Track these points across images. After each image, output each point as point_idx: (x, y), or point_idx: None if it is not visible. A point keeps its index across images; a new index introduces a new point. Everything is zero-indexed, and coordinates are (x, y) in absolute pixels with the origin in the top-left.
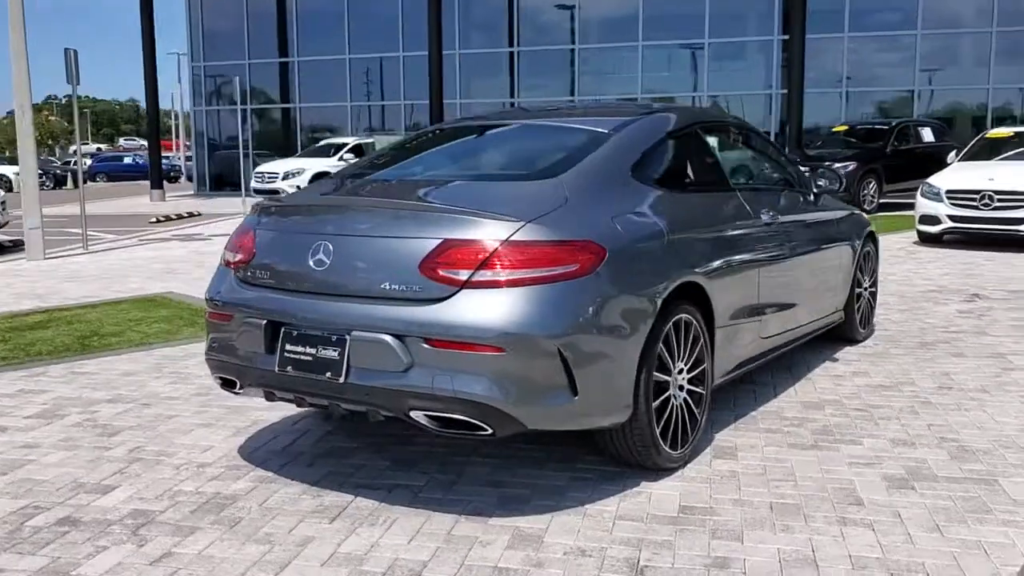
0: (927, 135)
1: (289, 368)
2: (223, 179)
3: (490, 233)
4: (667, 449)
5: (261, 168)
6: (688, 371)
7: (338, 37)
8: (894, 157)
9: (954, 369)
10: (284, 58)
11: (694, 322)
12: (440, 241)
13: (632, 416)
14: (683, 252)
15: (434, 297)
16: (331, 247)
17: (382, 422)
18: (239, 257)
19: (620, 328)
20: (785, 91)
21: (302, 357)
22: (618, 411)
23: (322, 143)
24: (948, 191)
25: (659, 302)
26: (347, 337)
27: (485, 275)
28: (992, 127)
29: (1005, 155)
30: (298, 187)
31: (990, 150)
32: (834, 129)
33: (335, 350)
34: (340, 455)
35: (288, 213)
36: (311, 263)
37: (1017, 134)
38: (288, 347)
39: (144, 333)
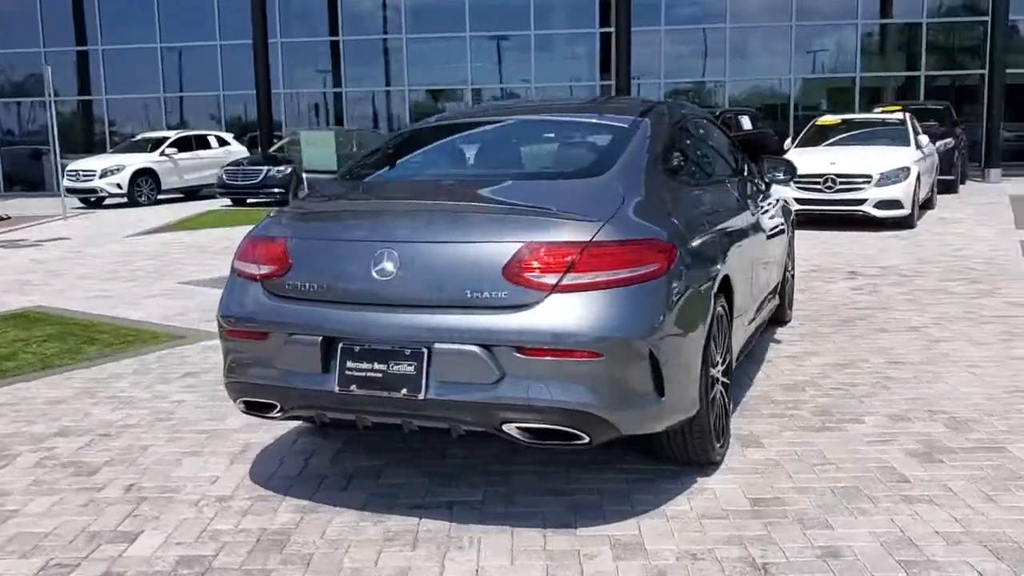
0: (746, 123)
1: (353, 387)
2: (16, 178)
3: (574, 234)
4: (715, 443)
5: (74, 166)
6: (721, 363)
7: (147, 24)
8: None
9: (889, 344)
10: (85, 47)
11: (724, 314)
12: (522, 244)
13: (695, 412)
14: (718, 246)
15: (522, 303)
16: (398, 255)
17: (377, 434)
18: (269, 269)
19: (692, 324)
20: (607, 82)
21: (369, 374)
22: (691, 408)
23: (139, 138)
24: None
25: (712, 296)
26: (425, 350)
27: (575, 278)
28: (794, 115)
29: (833, 140)
30: (118, 185)
31: (820, 136)
32: None
33: (411, 365)
34: (370, 475)
35: (332, 219)
36: (374, 273)
37: (845, 121)
38: (350, 364)
39: (41, 354)
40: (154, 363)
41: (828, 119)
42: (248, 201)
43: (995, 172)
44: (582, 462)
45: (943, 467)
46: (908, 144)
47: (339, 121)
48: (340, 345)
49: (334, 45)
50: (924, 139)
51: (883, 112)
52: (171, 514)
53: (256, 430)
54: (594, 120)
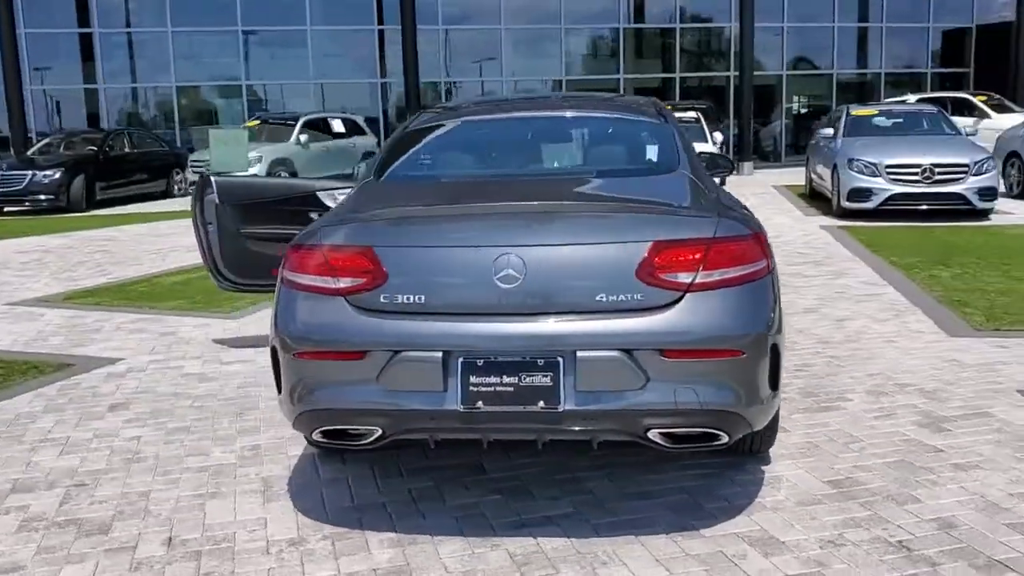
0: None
1: (480, 403)
2: None
3: (698, 231)
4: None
5: None
6: None
7: None
8: None
9: (803, 325)
10: None
11: None
12: (651, 243)
13: None
14: None
15: (660, 304)
16: (522, 260)
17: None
18: (355, 282)
19: (783, 316)
20: (385, 80)
21: (498, 389)
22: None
23: None
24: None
25: None
26: (560, 359)
27: (706, 276)
28: None
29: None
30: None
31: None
32: None
33: (546, 375)
34: (432, 497)
35: (433, 224)
36: (496, 280)
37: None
38: (474, 380)
39: None
40: (59, 397)
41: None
42: (5, 209)
43: (748, 165)
44: (634, 463)
45: (957, 435)
46: (706, 141)
47: (93, 121)
48: (460, 360)
49: (85, 38)
50: (719, 136)
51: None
52: (249, 566)
53: (259, 463)
54: (629, 117)
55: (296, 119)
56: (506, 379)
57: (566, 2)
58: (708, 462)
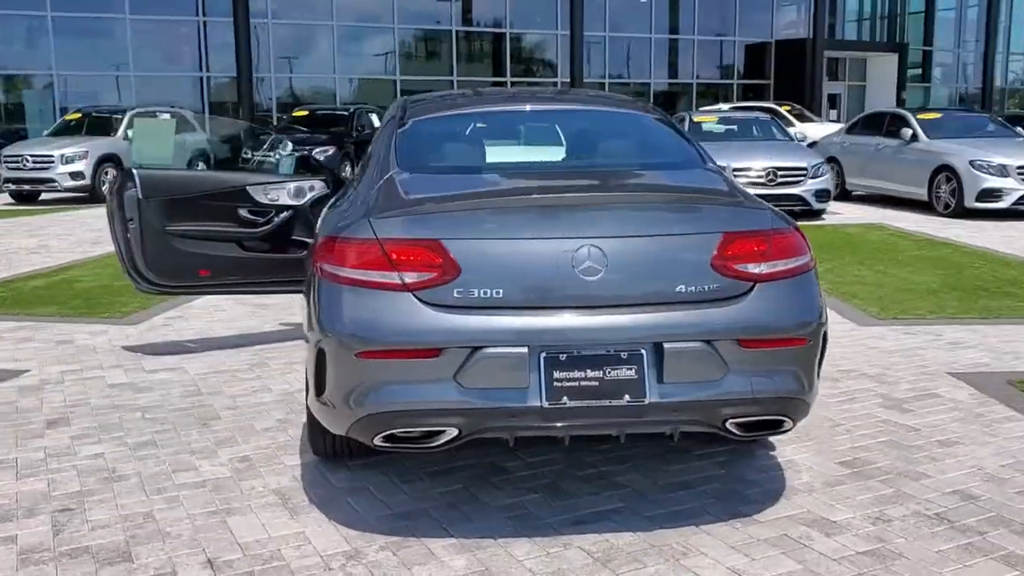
0: (375, 120)
1: (565, 399)
2: None
3: (759, 223)
4: None
5: None
6: None
7: None
8: (358, 140)
9: None
10: None
11: None
12: (722, 234)
13: None
14: None
15: (735, 294)
16: (602, 252)
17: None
18: (424, 276)
19: None
20: (208, 74)
21: (583, 383)
22: None
23: None
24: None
25: None
26: (643, 352)
27: (771, 266)
28: None
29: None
30: None
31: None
32: (294, 113)
33: (630, 368)
34: (470, 500)
35: (506, 216)
36: (578, 272)
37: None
38: (557, 375)
39: None
40: None
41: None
42: None
43: None
44: (648, 454)
45: (923, 414)
46: None
47: None
48: (542, 355)
49: None
50: None
51: None
52: None
53: (258, 475)
54: (635, 112)
55: (123, 112)
56: (591, 373)
57: (398, 1)
58: (716, 451)
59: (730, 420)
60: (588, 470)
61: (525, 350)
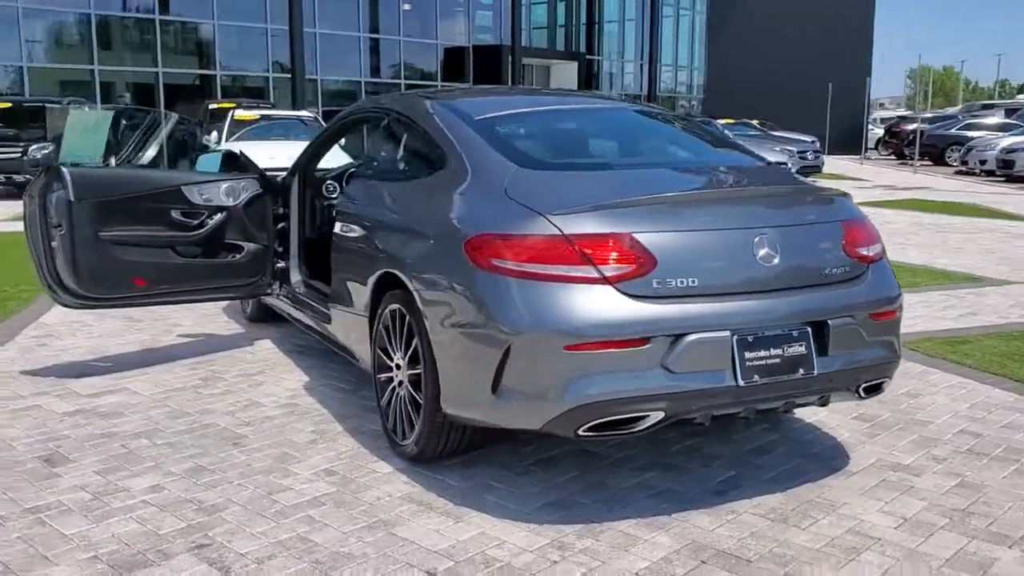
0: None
1: (756, 377)
2: None
3: (856, 212)
4: None
5: None
6: None
7: None
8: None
9: None
10: None
11: None
12: (842, 222)
13: None
14: None
15: (859, 274)
16: (771, 240)
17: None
18: (624, 269)
19: None
20: None
21: (768, 362)
22: None
23: None
24: None
25: None
26: (808, 328)
27: (873, 249)
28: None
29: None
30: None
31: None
32: None
33: (801, 344)
34: (634, 484)
35: (686, 209)
36: (758, 259)
37: (263, 116)
38: (748, 355)
39: None
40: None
41: (245, 114)
42: None
43: None
44: (696, 432)
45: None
46: None
47: None
48: (735, 338)
49: None
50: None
51: (219, 108)
52: (562, 573)
53: (363, 486)
54: (654, 110)
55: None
56: (773, 352)
57: None
58: (749, 426)
59: (863, 385)
60: (674, 448)
61: (728, 334)
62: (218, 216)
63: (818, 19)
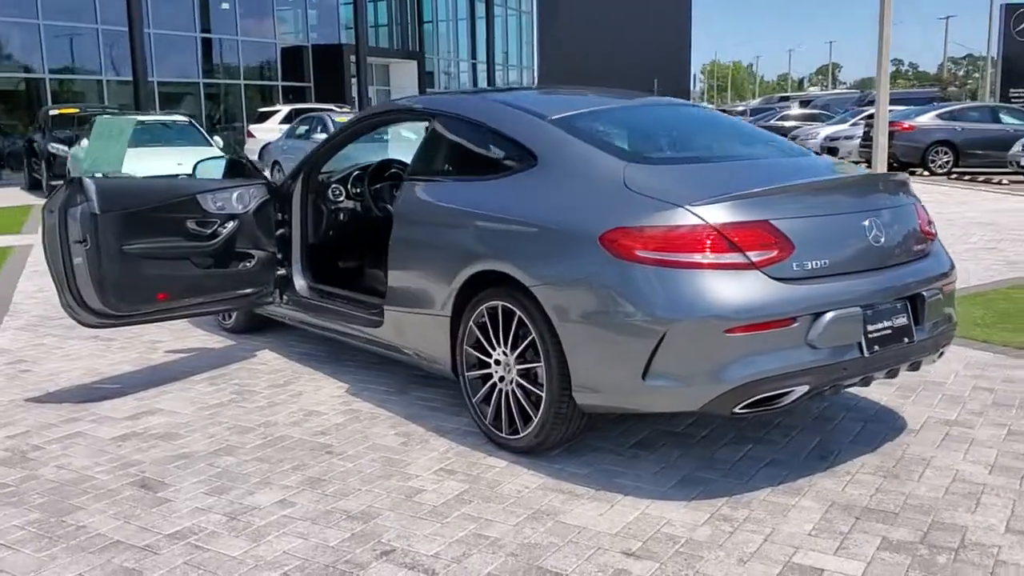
0: None
1: (876, 348)
2: None
3: (914, 195)
4: None
5: None
6: None
7: None
8: None
9: None
10: None
11: None
12: (915, 203)
13: None
14: None
15: (930, 251)
16: (881, 221)
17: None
18: (767, 254)
19: None
20: None
21: (884, 333)
22: None
23: None
24: None
25: None
26: (907, 301)
27: (933, 228)
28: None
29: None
30: None
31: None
32: None
33: (903, 316)
34: (711, 461)
35: (816, 194)
36: (871, 240)
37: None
38: (869, 328)
39: None
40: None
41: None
42: None
43: None
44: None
45: None
46: (208, 144)
47: None
48: (864, 312)
49: None
50: (219, 139)
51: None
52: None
53: (492, 482)
54: (702, 104)
55: None
56: (885, 323)
57: None
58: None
59: (941, 349)
60: (742, 424)
61: (859, 310)
62: (231, 224)
63: (641, 18)
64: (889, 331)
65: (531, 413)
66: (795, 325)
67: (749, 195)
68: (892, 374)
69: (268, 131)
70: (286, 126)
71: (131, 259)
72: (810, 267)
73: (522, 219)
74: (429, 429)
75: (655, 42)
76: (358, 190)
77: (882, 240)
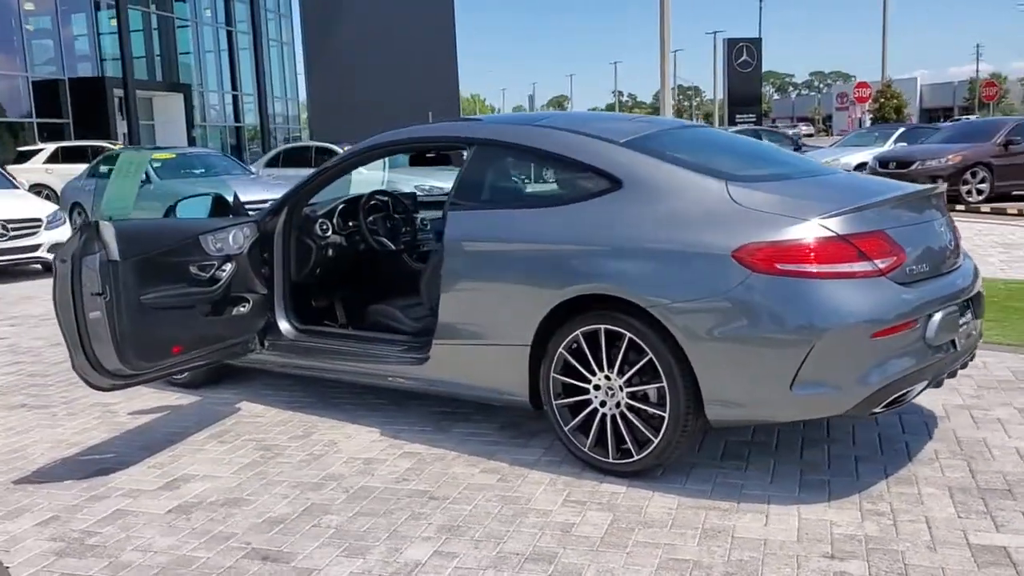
0: None
1: (961, 342)
2: None
3: None
4: None
5: None
6: None
7: None
8: None
9: None
10: None
11: None
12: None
13: None
14: None
15: (963, 253)
16: (943, 229)
17: None
18: (890, 261)
19: None
20: None
21: (963, 328)
22: None
23: None
24: None
25: None
26: (969, 301)
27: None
28: None
29: None
30: None
31: None
32: None
33: (969, 313)
34: (813, 465)
35: (906, 207)
36: (946, 244)
37: None
38: (960, 323)
39: None
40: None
41: None
42: None
43: None
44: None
45: None
46: (14, 186)
47: None
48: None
49: None
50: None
51: None
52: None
53: (598, 509)
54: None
55: None
56: (962, 320)
57: None
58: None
59: (979, 343)
60: (789, 441)
61: (956, 308)
62: (229, 267)
63: (409, 51)
64: (964, 326)
65: (649, 435)
66: (917, 326)
67: (864, 207)
68: (963, 366)
69: (30, 171)
70: (53, 165)
71: (149, 311)
72: (916, 271)
73: (627, 241)
74: (511, 463)
75: (425, 74)
76: (351, 223)
77: (949, 244)
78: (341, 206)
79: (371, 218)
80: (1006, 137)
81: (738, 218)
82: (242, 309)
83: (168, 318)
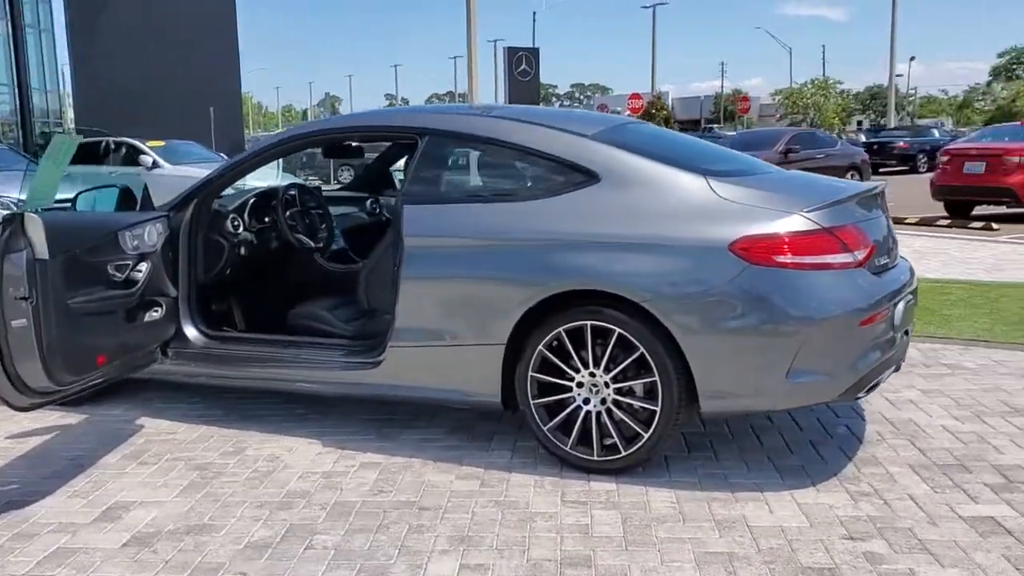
0: None
1: (909, 329)
2: None
3: None
4: None
5: None
6: None
7: None
8: None
9: None
10: None
11: None
12: None
13: None
14: None
15: None
16: (888, 224)
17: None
18: (863, 253)
19: None
20: None
21: (909, 319)
22: None
23: None
24: None
25: None
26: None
27: None
28: None
29: None
30: None
31: None
32: None
33: (912, 303)
34: (815, 459)
35: (859, 204)
36: (892, 238)
37: None
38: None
39: None
40: None
41: None
42: None
43: None
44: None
45: None
46: None
47: None
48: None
49: None
50: None
51: None
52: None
53: (606, 506)
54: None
55: None
56: (913, 309)
57: None
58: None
59: None
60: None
61: (912, 297)
62: (144, 266)
63: (188, 44)
64: (912, 315)
65: (638, 430)
66: (889, 314)
67: (837, 202)
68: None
69: None
70: None
71: (76, 317)
72: (879, 263)
73: (613, 236)
74: (485, 467)
75: (206, 71)
76: (266, 219)
77: (892, 239)
78: (253, 200)
79: (288, 213)
80: (786, 146)
81: (726, 212)
82: (154, 314)
83: (93, 325)
